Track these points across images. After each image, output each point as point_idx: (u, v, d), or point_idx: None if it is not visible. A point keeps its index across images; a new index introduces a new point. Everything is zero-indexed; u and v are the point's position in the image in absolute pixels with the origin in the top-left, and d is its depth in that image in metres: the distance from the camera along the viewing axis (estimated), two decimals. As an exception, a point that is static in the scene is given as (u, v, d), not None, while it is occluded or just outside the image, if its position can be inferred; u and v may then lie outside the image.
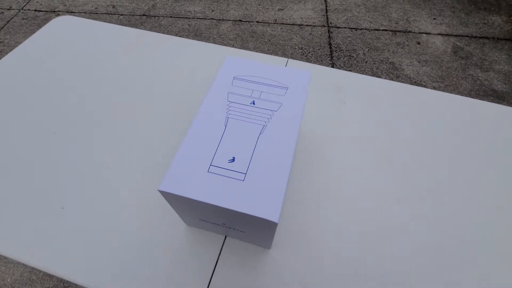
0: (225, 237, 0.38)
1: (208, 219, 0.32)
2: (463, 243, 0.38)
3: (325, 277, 0.35)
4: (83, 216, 0.40)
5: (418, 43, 1.70)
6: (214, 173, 0.28)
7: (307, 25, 1.80)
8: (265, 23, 1.80)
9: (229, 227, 0.33)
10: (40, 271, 0.93)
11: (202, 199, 0.27)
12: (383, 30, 1.78)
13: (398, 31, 1.77)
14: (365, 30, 1.78)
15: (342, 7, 1.93)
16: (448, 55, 1.63)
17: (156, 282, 0.35)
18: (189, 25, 1.78)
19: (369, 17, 1.86)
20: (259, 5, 1.92)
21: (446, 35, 1.73)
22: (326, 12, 1.89)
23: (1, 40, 1.69)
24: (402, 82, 1.46)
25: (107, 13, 1.85)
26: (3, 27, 1.76)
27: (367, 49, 1.67)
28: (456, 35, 1.72)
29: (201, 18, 1.82)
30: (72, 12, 1.83)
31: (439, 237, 0.38)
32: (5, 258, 0.95)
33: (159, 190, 0.28)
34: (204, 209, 0.29)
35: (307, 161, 0.45)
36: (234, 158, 0.30)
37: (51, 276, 0.92)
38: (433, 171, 0.44)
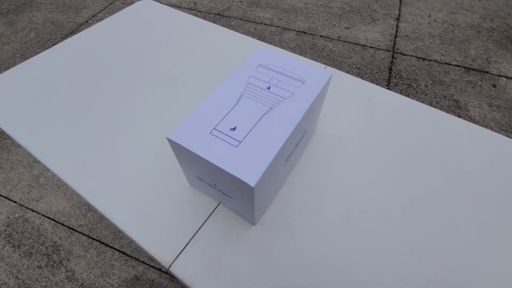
0: (218, 204, 0.42)
1: (203, 177, 0.36)
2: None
3: (298, 266, 0.36)
4: (115, 156, 0.47)
5: (494, 86, 1.53)
6: (215, 135, 0.33)
7: (370, 47, 1.76)
8: (328, 38, 1.82)
9: (220, 190, 0.37)
10: (77, 209, 1.09)
11: (196, 152, 0.31)
12: (455, 65, 1.64)
13: (473, 69, 1.62)
14: (433, 62, 1.66)
15: (414, 35, 1.84)
16: (529, 105, 1.43)
17: (156, 220, 0.40)
18: (255, 29, 1.89)
19: (442, 49, 1.74)
20: (326, 20, 1.95)
21: (532, 83, 1.52)
22: (395, 37, 1.82)
23: (102, 18, 2.02)
24: (463, 123, 1.33)
25: (188, 8, 2.08)
26: (105, 8, 2.10)
27: (430, 82, 1.56)
28: (544, 85, 1.50)
29: (267, 25, 1.92)
30: (160, 2, 2.10)
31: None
32: (57, 189, 1.14)
33: (167, 138, 0.33)
34: (198, 164, 0.33)
35: (317, 157, 0.46)
36: (235, 127, 0.33)
37: (84, 215, 1.07)
38: (447, 213, 0.41)
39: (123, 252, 0.98)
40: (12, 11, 2.07)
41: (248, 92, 0.37)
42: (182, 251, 0.38)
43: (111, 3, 2.13)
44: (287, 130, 0.33)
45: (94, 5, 2.12)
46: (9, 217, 1.07)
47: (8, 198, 1.12)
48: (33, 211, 1.09)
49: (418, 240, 0.38)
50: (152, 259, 0.97)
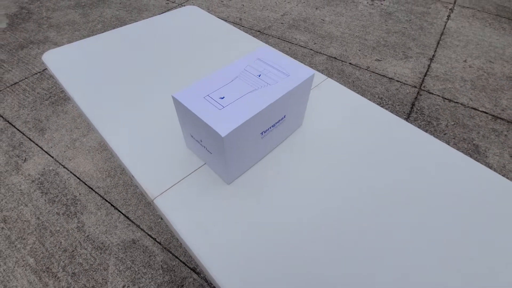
0: (204, 164, 0.51)
1: (193, 133, 0.46)
2: None
3: (252, 220, 0.44)
4: (138, 115, 0.59)
5: (521, 138, 1.48)
6: (206, 100, 0.42)
7: (397, 81, 1.80)
8: (357, 66, 1.89)
9: (204, 147, 0.46)
10: (99, 173, 1.24)
11: (189, 107, 0.41)
12: (482, 111, 1.62)
13: (501, 118, 1.58)
14: (459, 105, 1.66)
15: (445, 76, 1.85)
16: (557, 163, 1.36)
17: (153, 164, 0.50)
18: (289, 48, 2.03)
19: (471, 94, 1.72)
20: (359, 50, 2.03)
21: None
22: (425, 75, 1.85)
23: (158, 20, 2.31)
24: (479, 168, 1.30)
25: (233, 22, 2.29)
26: (163, 12, 2.39)
27: (452, 123, 1.56)
28: None
29: (302, 46, 2.05)
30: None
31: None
32: (87, 154, 1.31)
33: (172, 96, 0.43)
34: (190, 119, 0.43)
35: (298, 144, 0.54)
36: (224, 97, 0.43)
37: (104, 180, 1.22)
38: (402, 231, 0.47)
39: (127, 217, 1.10)
40: (88, 6, 2.44)
41: (242, 76, 0.47)
42: (166, 190, 0.47)
43: (168, 9, 2.42)
44: (261, 105, 0.42)
45: (154, 9, 2.42)
46: (44, 168, 1.25)
47: (48, 153, 1.31)
48: (64, 167, 1.26)
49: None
50: (150, 228, 1.07)
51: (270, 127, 0.47)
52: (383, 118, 0.61)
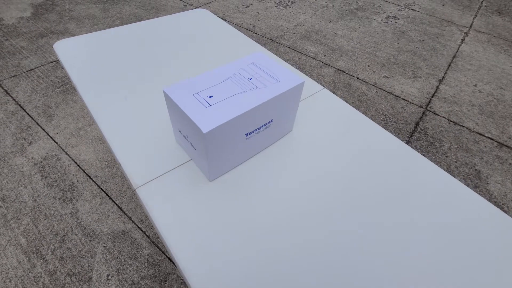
0: (190, 160, 0.53)
1: (180, 128, 0.48)
2: None
3: (227, 215, 0.45)
4: (135, 107, 0.61)
5: (526, 168, 1.44)
6: (195, 97, 0.44)
7: (404, 99, 1.79)
8: (364, 81, 1.90)
9: (190, 142, 0.47)
10: (99, 163, 1.27)
11: (177, 102, 0.42)
12: (487, 137, 1.59)
13: (507, 146, 1.55)
14: (465, 129, 1.63)
15: (453, 99, 1.83)
16: (561, 197, 1.32)
17: (140, 155, 0.52)
18: (298, 58, 2.05)
19: (478, 119, 1.70)
20: (368, 66, 2.04)
21: None
22: (432, 96, 1.84)
23: (174, 21, 2.37)
24: (479, 194, 1.27)
25: (246, 29, 2.33)
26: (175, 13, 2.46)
27: (456, 146, 1.53)
28: None
29: (311, 57, 2.07)
30: (225, 20, 2.40)
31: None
32: (90, 143, 1.34)
33: (163, 90, 0.45)
34: (178, 114, 0.44)
35: (285, 149, 0.55)
36: (212, 96, 0.45)
37: (102, 170, 1.25)
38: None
39: (120, 208, 1.12)
40: (109, 2, 2.53)
41: (234, 78, 0.48)
42: (149, 181, 0.49)
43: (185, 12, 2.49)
44: (247, 107, 0.43)
45: (172, 10, 2.49)
46: (47, 153, 1.29)
47: (52, 139, 1.35)
48: (66, 154, 1.29)
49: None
50: (141, 221, 1.09)
51: (256, 130, 0.48)
52: (376, 133, 0.61)
